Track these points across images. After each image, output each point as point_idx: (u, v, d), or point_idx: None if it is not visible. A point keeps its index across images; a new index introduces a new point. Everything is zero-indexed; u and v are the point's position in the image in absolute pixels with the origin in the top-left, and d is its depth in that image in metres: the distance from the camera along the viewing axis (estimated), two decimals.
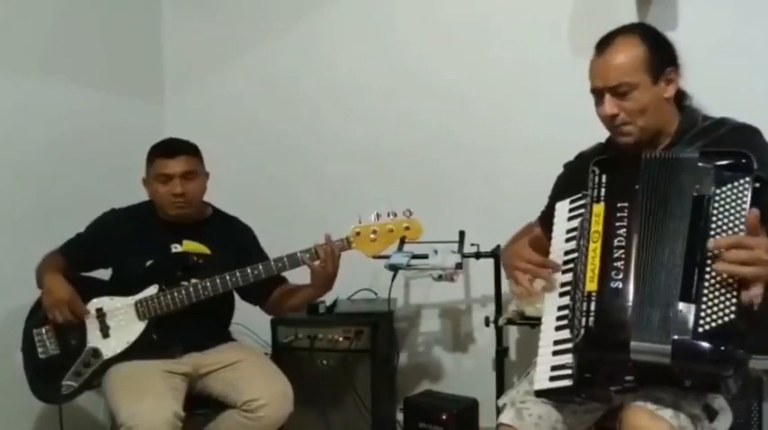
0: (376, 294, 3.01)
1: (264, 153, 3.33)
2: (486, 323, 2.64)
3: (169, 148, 2.44)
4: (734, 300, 1.39)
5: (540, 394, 1.62)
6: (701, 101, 1.76)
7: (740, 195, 1.45)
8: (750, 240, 1.39)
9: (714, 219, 1.45)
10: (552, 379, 1.58)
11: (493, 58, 2.89)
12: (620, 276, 1.52)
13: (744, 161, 1.47)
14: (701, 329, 1.39)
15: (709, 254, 1.42)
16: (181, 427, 2.12)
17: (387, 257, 2.57)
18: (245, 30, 3.39)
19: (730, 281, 1.40)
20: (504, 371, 2.64)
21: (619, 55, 1.66)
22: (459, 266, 2.54)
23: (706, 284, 1.42)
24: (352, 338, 2.75)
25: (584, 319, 1.53)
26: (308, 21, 3.24)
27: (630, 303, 1.49)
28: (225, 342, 2.53)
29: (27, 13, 2.83)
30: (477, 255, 2.66)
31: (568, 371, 1.56)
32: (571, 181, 1.79)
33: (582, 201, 1.69)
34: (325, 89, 3.22)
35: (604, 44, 1.69)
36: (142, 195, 2.53)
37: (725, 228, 1.44)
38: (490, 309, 2.74)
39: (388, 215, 2.34)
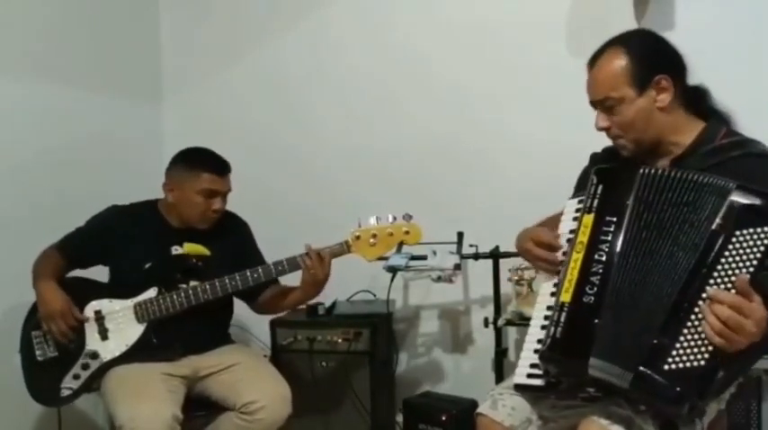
0: (375, 296, 3.01)
1: (263, 155, 3.32)
2: (486, 324, 2.64)
3: (221, 166, 2.44)
4: (710, 347, 1.36)
5: (517, 388, 1.66)
6: (727, 103, 1.74)
7: (758, 243, 1.36)
8: (749, 308, 1.33)
9: (723, 261, 1.38)
10: (529, 376, 1.62)
11: (491, 59, 2.89)
12: (594, 291, 1.52)
13: None
14: (666, 367, 1.38)
15: (704, 296, 1.37)
16: None
17: (385, 259, 2.57)
18: (243, 32, 3.39)
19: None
20: (504, 372, 2.64)
21: (601, 70, 1.67)
22: (457, 267, 2.54)
23: (688, 324, 1.38)
24: (351, 340, 2.74)
25: (552, 329, 1.55)
26: (307, 22, 3.24)
27: (599, 320, 1.49)
28: (224, 344, 2.53)
29: (24, 16, 2.83)
30: (476, 256, 2.66)
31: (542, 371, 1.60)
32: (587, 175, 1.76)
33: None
34: (325, 91, 3.22)
35: (594, 59, 1.71)
36: (141, 197, 2.53)
37: (729, 273, 1.37)
38: (489, 310, 2.74)
39: (388, 219, 2.34)
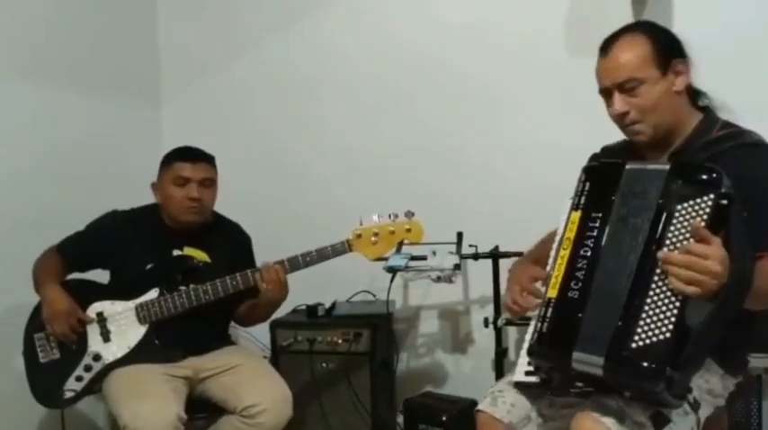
0: (375, 296, 3.01)
1: (262, 157, 3.32)
2: (486, 324, 2.64)
3: (191, 154, 2.44)
4: (672, 319, 1.38)
5: (516, 385, 1.68)
6: (723, 99, 1.76)
7: (700, 212, 1.41)
8: (703, 249, 1.35)
9: (669, 235, 1.43)
10: (527, 373, 1.64)
11: (491, 59, 2.89)
12: (579, 286, 1.54)
13: (713, 176, 1.43)
14: (634, 345, 1.40)
15: (658, 271, 1.41)
16: None
17: (385, 259, 2.57)
18: (242, 34, 3.39)
19: (673, 299, 1.39)
20: (504, 372, 2.64)
21: (625, 52, 1.66)
22: (457, 267, 2.54)
23: (648, 301, 1.41)
24: (351, 340, 2.75)
25: (539, 324, 1.57)
26: (305, 23, 3.24)
27: (583, 314, 1.51)
28: (224, 345, 2.53)
29: (21, 19, 2.82)
30: (476, 256, 2.66)
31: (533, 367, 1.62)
32: None
33: None
34: (324, 92, 3.22)
35: (609, 44, 1.70)
36: (140, 201, 2.53)
37: (678, 246, 1.41)
38: (489, 310, 2.74)
39: (390, 217, 2.33)
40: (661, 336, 1.38)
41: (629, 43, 1.67)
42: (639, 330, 1.40)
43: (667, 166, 1.51)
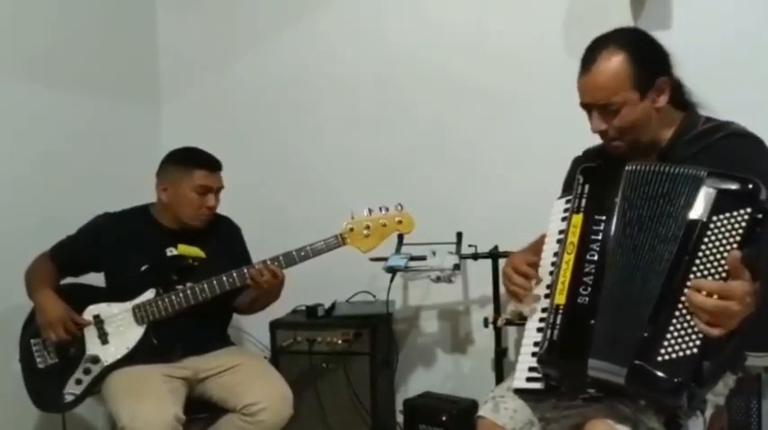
0: (374, 296, 3.01)
1: (261, 157, 3.32)
2: (485, 324, 2.64)
3: (212, 162, 2.46)
4: (700, 334, 1.37)
5: (517, 392, 1.66)
6: (705, 98, 1.74)
7: (735, 226, 1.37)
8: (731, 289, 1.33)
9: (703, 247, 1.40)
10: (528, 379, 1.62)
11: (489, 58, 2.89)
12: (588, 291, 1.52)
13: (750, 187, 1.39)
14: (660, 358, 1.38)
15: (689, 284, 1.38)
16: None
17: (385, 259, 2.58)
18: (241, 34, 3.39)
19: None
20: (504, 372, 2.64)
21: (603, 74, 1.62)
22: (456, 267, 2.54)
23: (676, 314, 1.39)
24: (351, 341, 2.75)
25: (549, 331, 1.55)
26: (304, 23, 3.24)
27: (595, 320, 1.49)
28: (224, 346, 2.54)
29: (20, 20, 2.82)
30: (475, 256, 2.66)
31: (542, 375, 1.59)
32: (572, 178, 1.75)
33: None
34: (323, 92, 3.22)
35: (589, 60, 1.65)
36: (140, 201, 2.53)
37: (711, 259, 1.38)
38: (489, 310, 2.74)
39: (380, 210, 2.35)
40: (688, 352, 1.37)
41: (609, 63, 1.61)
42: (666, 343, 1.38)
43: (704, 171, 1.45)
